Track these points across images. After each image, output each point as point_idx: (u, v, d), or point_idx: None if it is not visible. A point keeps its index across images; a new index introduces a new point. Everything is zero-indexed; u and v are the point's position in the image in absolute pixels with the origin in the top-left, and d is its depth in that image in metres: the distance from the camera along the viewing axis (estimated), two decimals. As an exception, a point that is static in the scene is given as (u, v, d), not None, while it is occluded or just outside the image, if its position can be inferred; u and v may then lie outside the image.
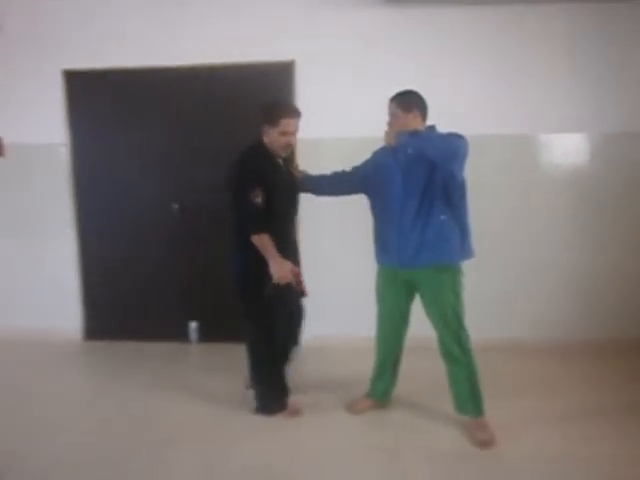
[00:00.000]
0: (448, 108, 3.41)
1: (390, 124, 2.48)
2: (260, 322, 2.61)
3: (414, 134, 2.34)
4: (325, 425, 2.62)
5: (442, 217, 2.41)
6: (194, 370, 3.01)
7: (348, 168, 2.76)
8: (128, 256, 3.79)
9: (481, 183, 3.46)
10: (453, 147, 2.31)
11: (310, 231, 3.51)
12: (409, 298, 2.64)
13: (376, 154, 2.63)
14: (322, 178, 2.84)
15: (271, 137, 2.52)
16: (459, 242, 2.46)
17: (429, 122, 2.51)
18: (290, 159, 2.74)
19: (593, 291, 3.55)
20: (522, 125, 3.44)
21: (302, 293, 2.66)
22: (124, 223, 3.76)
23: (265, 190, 2.45)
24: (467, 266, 3.68)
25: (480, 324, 3.56)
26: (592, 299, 3.55)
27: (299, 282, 2.58)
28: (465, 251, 2.51)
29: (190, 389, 2.99)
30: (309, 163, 2.89)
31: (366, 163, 2.69)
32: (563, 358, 3.37)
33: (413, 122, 2.43)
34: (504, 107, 3.42)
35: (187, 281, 3.73)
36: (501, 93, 3.42)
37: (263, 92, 3.36)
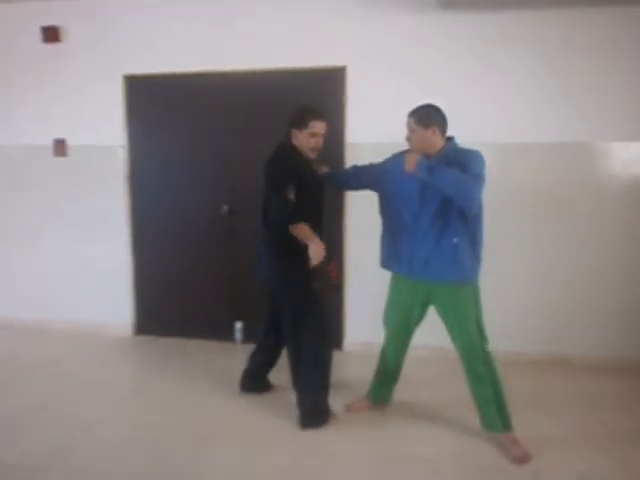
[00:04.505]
0: (505, 115, 3.36)
1: (409, 139, 2.45)
2: (312, 318, 2.59)
3: (431, 170, 2.24)
4: (361, 431, 2.62)
5: (455, 240, 2.34)
6: (236, 369, 3.07)
7: (368, 163, 2.75)
8: (178, 255, 3.91)
9: (538, 192, 3.38)
10: (468, 191, 2.23)
11: (358, 237, 3.53)
12: (422, 309, 2.57)
13: (399, 157, 2.49)
14: (342, 174, 2.90)
15: (300, 139, 2.61)
16: (471, 262, 2.39)
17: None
18: (315, 160, 2.75)
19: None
20: (582, 133, 3.31)
21: (336, 287, 2.64)
22: (175, 223, 3.88)
23: (296, 188, 2.52)
24: (521, 280, 3.59)
25: (530, 338, 3.48)
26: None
27: (335, 276, 2.59)
28: (475, 270, 2.43)
29: (230, 387, 3.04)
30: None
31: (386, 163, 2.64)
32: (613, 375, 3.24)
33: (432, 138, 2.39)
34: (563, 114, 3.31)
35: (234, 282, 3.81)
36: (559, 100, 3.31)
37: (314, 97, 3.37)
